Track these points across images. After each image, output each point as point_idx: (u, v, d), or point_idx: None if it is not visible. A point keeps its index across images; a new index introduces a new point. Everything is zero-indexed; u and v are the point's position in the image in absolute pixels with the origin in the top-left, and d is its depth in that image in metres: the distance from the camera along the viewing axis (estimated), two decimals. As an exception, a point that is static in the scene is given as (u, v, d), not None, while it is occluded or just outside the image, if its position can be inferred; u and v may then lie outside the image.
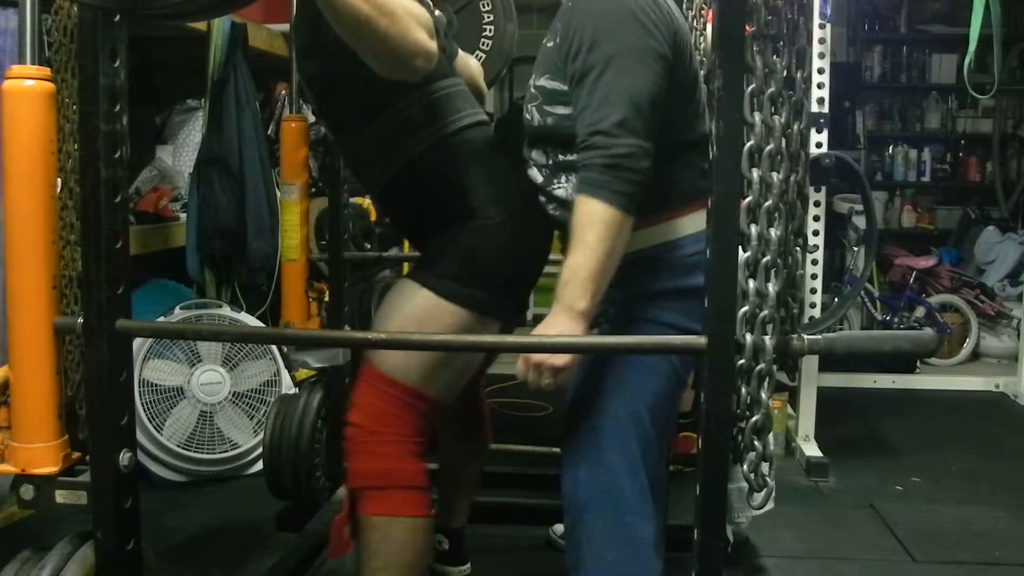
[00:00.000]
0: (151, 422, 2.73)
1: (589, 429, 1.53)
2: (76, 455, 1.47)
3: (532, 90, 1.59)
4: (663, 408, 1.55)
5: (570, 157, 1.53)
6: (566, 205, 1.54)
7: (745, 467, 1.25)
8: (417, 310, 1.60)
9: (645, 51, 1.42)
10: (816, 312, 3.12)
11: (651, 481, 1.52)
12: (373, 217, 3.30)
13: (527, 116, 1.61)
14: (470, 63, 1.94)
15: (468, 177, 1.64)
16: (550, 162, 1.58)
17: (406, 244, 3.55)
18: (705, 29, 2.19)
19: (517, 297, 1.75)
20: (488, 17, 2.37)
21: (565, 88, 1.50)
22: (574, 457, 1.54)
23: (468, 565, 2.20)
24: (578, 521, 1.53)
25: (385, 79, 1.45)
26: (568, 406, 1.59)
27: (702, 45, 2.16)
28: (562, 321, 1.42)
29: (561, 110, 1.52)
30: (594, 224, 1.40)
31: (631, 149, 1.39)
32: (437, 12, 1.89)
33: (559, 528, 2.39)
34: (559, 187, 1.57)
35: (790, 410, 3.26)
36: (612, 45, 1.42)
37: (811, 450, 3.09)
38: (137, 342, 2.62)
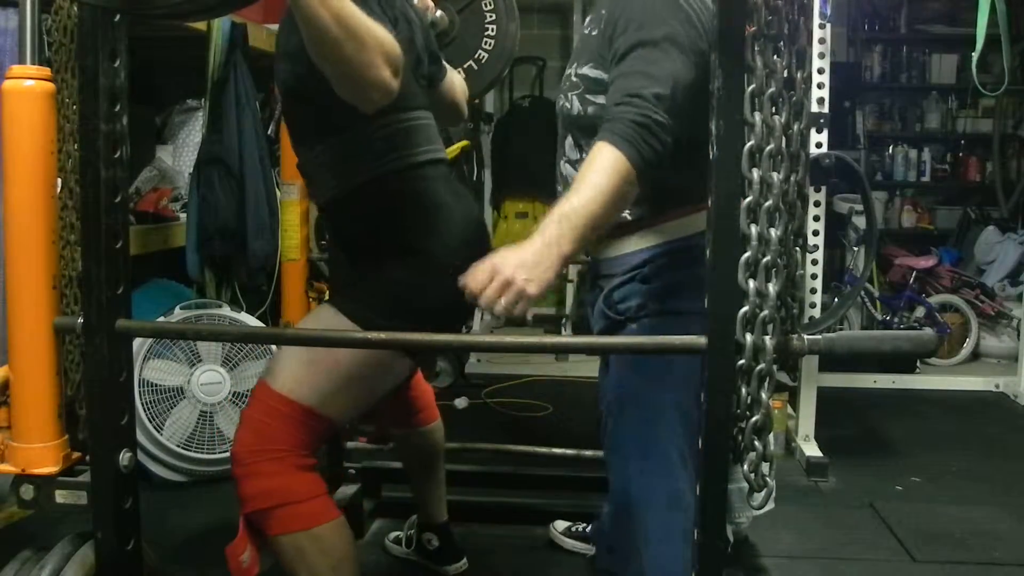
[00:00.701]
0: (151, 422, 2.73)
1: (637, 423, 1.51)
2: (76, 455, 1.47)
3: (573, 79, 1.57)
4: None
5: (586, 142, 1.53)
6: None
7: (745, 467, 1.25)
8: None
9: (688, 42, 1.43)
10: (816, 312, 3.12)
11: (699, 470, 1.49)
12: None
13: (565, 104, 1.59)
14: (455, 82, 1.92)
15: (411, 213, 1.63)
16: (583, 156, 1.54)
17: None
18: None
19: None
20: (490, 16, 2.37)
21: (608, 77, 1.48)
22: (623, 452, 1.52)
23: (463, 561, 2.20)
24: (631, 516, 1.52)
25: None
26: (610, 402, 1.56)
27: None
28: (542, 254, 1.29)
29: (603, 99, 1.49)
30: (609, 171, 1.34)
31: (665, 120, 1.38)
32: (439, 13, 1.89)
33: (560, 524, 2.39)
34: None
35: (790, 410, 3.26)
36: (660, 29, 1.42)
37: (811, 450, 3.09)
38: (137, 342, 2.62)
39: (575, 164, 1.59)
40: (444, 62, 1.86)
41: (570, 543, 2.36)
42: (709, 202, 1.20)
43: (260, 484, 1.57)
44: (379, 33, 1.34)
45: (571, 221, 1.31)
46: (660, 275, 1.50)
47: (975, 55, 2.51)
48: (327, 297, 2.62)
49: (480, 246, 1.64)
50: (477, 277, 1.31)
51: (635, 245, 1.55)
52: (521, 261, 1.29)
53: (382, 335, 1.54)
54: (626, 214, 1.52)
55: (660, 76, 1.40)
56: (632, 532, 1.52)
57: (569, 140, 1.62)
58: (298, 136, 1.70)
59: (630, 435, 1.52)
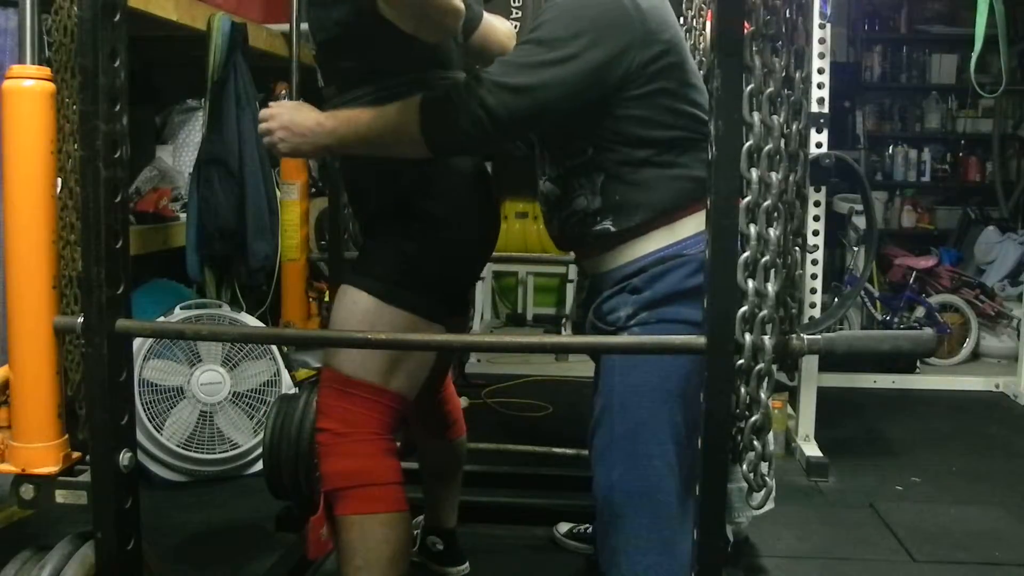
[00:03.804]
0: (151, 422, 2.73)
1: (623, 432, 1.50)
2: (76, 455, 1.47)
3: None
4: (695, 409, 1.54)
5: (578, 160, 1.54)
6: (589, 218, 1.54)
7: (744, 467, 1.25)
8: (360, 315, 1.61)
9: (604, 55, 1.43)
10: (816, 312, 3.12)
11: (686, 482, 1.47)
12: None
13: None
14: (497, 28, 1.85)
15: (429, 173, 1.62)
16: (560, 171, 1.58)
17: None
18: (705, 28, 2.19)
19: (455, 299, 1.76)
20: (517, 13, 2.34)
21: None
22: (609, 460, 1.51)
23: (466, 564, 2.20)
24: (613, 525, 1.51)
25: (396, 46, 1.43)
26: (599, 410, 1.55)
27: (702, 45, 2.16)
28: (312, 131, 1.48)
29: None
30: (399, 123, 1.45)
31: (493, 124, 1.41)
32: None
33: (563, 526, 2.39)
34: (579, 195, 1.55)
35: (790, 410, 3.26)
36: (571, 40, 1.42)
37: (811, 450, 3.09)
38: (137, 342, 2.62)
39: (555, 181, 1.60)
40: (479, 7, 1.81)
41: (572, 544, 2.36)
42: (708, 202, 1.20)
43: (345, 464, 1.59)
44: None
45: (348, 127, 1.48)
46: (650, 284, 1.49)
47: (974, 56, 2.51)
48: (326, 299, 2.63)
49: (486, 216, 1.69)
50: (264, 112, 1.53)
51: (626, 257, 1.54)
52: (292, 123, 1.50)
53: (382, 335, 1.55)
54: (609, 225, 1.52)
55: (532, 82, 1.41)
56: (613, 542, 1.51)
57: (547, 163, 1.62)
58: (335, 86, 1.66)
59: (615, 444, 1.51)
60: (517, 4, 2.32)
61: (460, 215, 1.64)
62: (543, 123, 1.51)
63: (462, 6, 1.41)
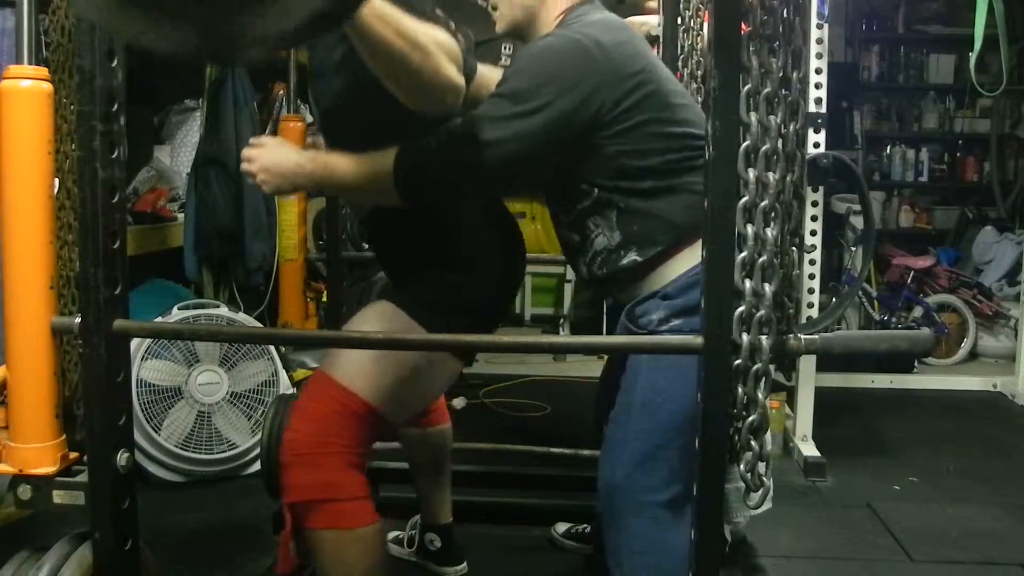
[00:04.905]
0: (149, 422, 2.73)
1: (640, 429, 1.51)
2: (74, 455, 1.47)
3: None
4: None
5: (586, 202, 1.57)
6: (613, 254, 1.56)
7: (742, 467, 1.25)
8: (380, 318, 1.61)
9: (570, 105, 1.46)
10: (814, 312, 3.12)
11: (690, 488, 1.50)
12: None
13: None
14: (490, 79, 1.88)
15: (455, 219, 1.65)
16: (573, 216, 1.61)
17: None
18: (702, 29, 2.19)
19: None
20: (506, 60, 2.34)
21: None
22: (618, 456, 1.52)
23: (464, 564, 2.20)
24: (615, 524, 1.52)
25: (397, 115, 1.45)
26: (620, 406, 1.57)
27: (699, 45, 2.16)
28: (292, 171, 1.51)
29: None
30: (377, 172, 1.47)
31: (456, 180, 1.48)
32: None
33: (560, 527, 2.39)
34: (597, 234, 1.58)
35: (788, 410, 3.26)
36: (540, 92, 1.46)
37: (809, 450, 3.09)
38: (135, 342, 2.62)
39: (570, 227, 1.64)
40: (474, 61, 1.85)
41: (570, 544, 2.36)
42: (705, 203, 1.20)
43: (313, 476, 1.56)
44: (437, 35, 1.36)
45: (326, 172, 1.51)
46: (684, 292, 1.51)
47: (973, 56, 2.52)
48: (324, 300, 2.63)
49: (513, 255, 1.73)
50: (246, 151, 1.55)
51: (658, 282, 1.56)
52: (273, 165, 1.52)
53: (379, 335, 1.55)
54: (635, 256, 1.55)
55: (502, 139, 1.45)
56: (616, 543, 1.53)
57: (560, 211, 1.66)
58: (343, 148, 1.68)
59: (628, 441, 1.52)
60: (507, 51, 2.33)
61: (496, 261, 1.67)
62: (517, 172, 1.55)
63: (462, 83, 1.42)
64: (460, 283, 1.65)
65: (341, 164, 1.51)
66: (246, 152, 1.56)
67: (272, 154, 1.52)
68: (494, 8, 1.69)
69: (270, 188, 1.55)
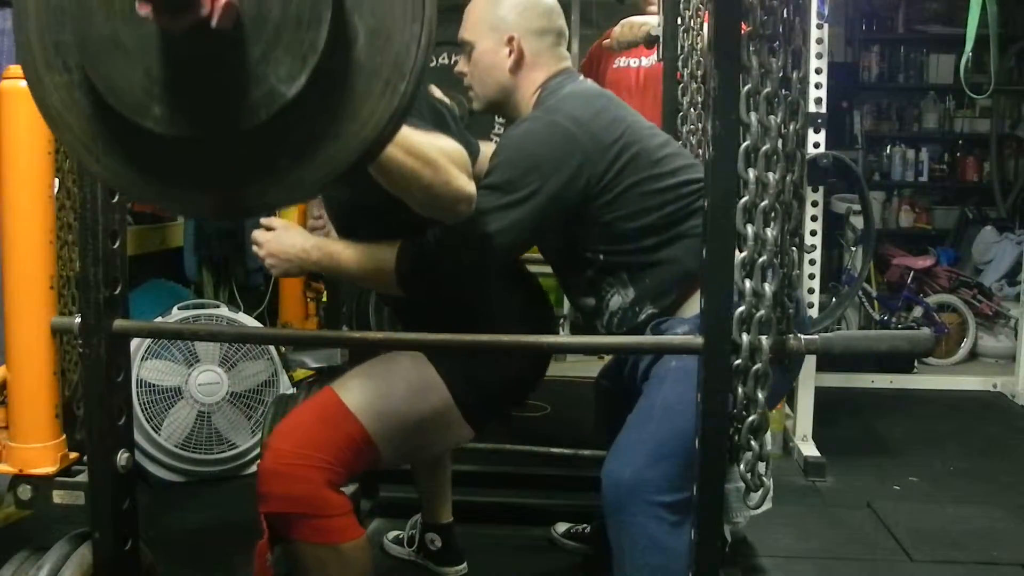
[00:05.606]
0: (149, 422, 2.73)
1: (655, 431, 1.52)
2: (74, 455, 1.47)
3: None
4: None
5: (595, 268, 1.62)
6: (630, 311, 1.60)
7: (742, 467, 1.25)
8: (416, 378, 1.61)
9: (550, 186, 1.51)
10: (814, 312, 3.12)
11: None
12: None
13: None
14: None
15: (479, 299, 1.65)
16: (584, 281, 1.65)
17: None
18: (702, 29, 2.19)
19: (501, 412, 1.81)
20: (499, 128, 2.34)
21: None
22: (627, 456, 1.53)
23: (464, 565, 2.20)
24: (618, 523, 1.53)
25: (408, 217, 1.44)
26: (639, 409, 1.58)
27: (699, 45, 2.16)
28: (299, 257, 1.57)
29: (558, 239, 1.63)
30: (379, 262, 1.52)
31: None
32: (449, 102, 1.86)
33: (560, 527, 2.39)
34: (612, 295, 1.62)
35: (788, 410, 3.26)
36: (527, 180, 1.50)
37: (809, 450, 3.09)
38: (135, 342, 2.62)
39: (584, 292, 1.68)
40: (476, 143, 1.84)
41: (570, 544, 2.36)
42: (704, 203, 1.20)
43: (294, 488, 1.52)
44: (444, 145, 1.36)
45: (331, 261, 1.57)
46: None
47: (964, 57, 2.51)
48: (324, 300, 2.61)
49: (542, 322, 1.75)
50: (255, 234, 1.62)
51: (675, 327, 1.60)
52: (280, 251, 1.58)
53: (379, 335, 1.55)
54: (651, 308, 1.60)
55: (504, 231, 1.50)
56: (620, 541, 1.53)
57: (565, 274, 1.72)
58: (350, 234, 1.69)
59: (642, 442, 1.53)
60: (501, 121, 2.33)
61: (515, 326, 1.63)
62: (515, 256, 1.63)
63: (473, 190, 1.41)
64: (481, 364, 1.64)
65: (345, 255, 1.56)
66: (255, 235, 1.63)
67: (279, 239, 1.59)
68: (469, 88, 1.71)
69: (277, 272, 1.61)
